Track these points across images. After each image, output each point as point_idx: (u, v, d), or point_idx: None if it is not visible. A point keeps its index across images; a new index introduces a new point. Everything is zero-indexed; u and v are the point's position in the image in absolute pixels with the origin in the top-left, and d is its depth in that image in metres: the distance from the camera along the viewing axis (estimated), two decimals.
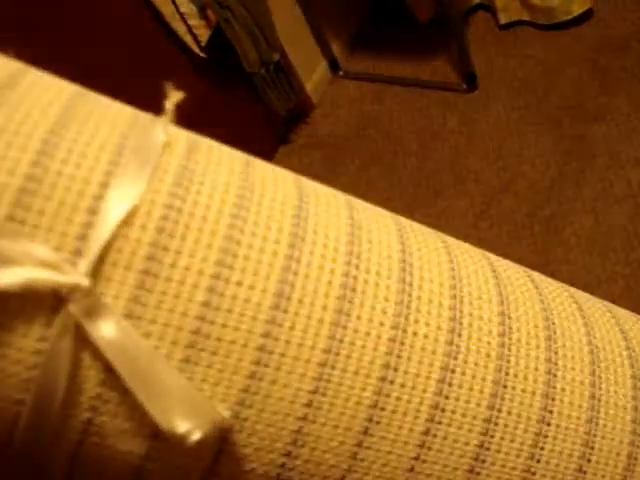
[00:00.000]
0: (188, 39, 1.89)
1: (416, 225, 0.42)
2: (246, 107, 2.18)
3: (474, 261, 0.41)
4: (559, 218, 1.78)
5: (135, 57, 1.79)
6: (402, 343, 0.34)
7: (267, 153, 2.23)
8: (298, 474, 0.33)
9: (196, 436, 0.29)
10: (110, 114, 0.34)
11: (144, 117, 0.35)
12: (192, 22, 1.87)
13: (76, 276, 0.29)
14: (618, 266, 1.64)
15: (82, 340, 0.29)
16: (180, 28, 1.87)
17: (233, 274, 0.32)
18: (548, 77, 2.13)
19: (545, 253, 1.70)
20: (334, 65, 2.49)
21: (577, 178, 1.84)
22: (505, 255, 0.45)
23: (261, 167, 0.37)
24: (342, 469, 0.33)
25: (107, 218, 0.30)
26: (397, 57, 2.41)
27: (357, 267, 0.35)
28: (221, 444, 0.31)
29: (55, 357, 0.29)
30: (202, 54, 1.93)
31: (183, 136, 0.36)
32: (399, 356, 0.34)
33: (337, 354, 0.33)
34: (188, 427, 0.29)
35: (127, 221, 0.30)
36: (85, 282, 0.29)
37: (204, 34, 1.90)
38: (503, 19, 2.32)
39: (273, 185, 0.36)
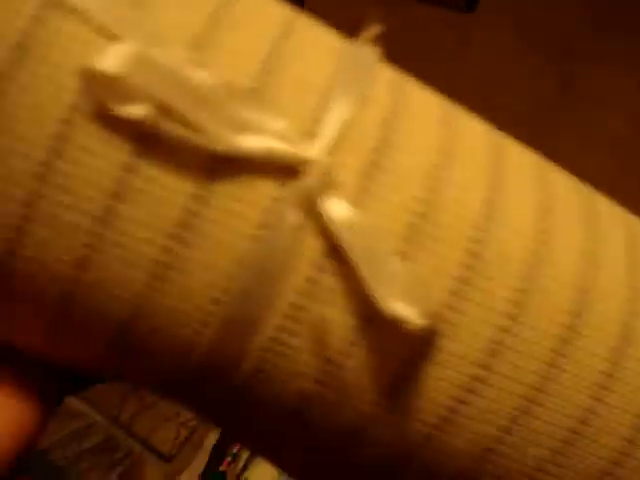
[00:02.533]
0: None
1: None
2: None
3: None
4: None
5: None
6: None
7: None
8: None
9: (419, 322, 0.28)
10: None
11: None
12: None
13: (315, 151, 0.29)
14: None
15: (309, 218, 0.29)
16: None
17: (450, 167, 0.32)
18: (548, 12, 2.09)
19: None
20: None
21: (558, 118, 1.82)
22: None
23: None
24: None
25: (342, 105, 0.30)
26: None
27: None
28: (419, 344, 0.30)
29: (279, 232, 0.28)
30: None
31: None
32: None
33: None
34: (411, 312, 0.28)
35: (359, 113, 0.31)
36: (324, 158, 0.29)
37: None
38: None
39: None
